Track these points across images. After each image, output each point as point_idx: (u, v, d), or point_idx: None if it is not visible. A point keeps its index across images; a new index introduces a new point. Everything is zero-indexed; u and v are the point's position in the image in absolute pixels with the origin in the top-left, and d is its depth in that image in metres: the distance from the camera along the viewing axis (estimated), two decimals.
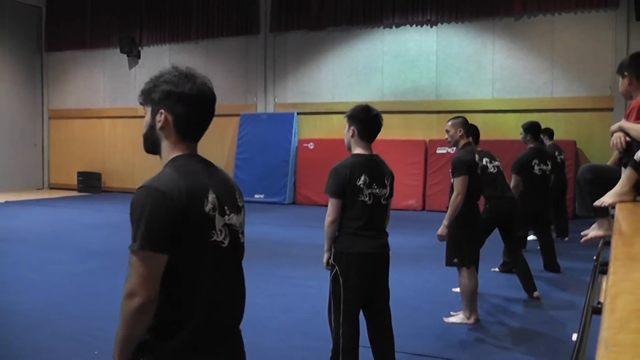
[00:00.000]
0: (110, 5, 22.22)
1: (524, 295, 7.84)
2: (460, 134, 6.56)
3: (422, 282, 8.61)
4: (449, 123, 6.66)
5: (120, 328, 2.45)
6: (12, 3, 22.70)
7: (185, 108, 2.55)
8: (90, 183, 22.31)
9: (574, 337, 5.80)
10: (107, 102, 22.73)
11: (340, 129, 17.55)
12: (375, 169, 4.78)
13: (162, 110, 2.58)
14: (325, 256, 4.83)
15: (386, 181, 4.81)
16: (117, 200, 19.61)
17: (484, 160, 7.94)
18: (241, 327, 2.64)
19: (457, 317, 6.66)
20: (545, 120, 15.51)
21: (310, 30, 18.90)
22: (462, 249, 6.43)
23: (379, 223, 4.80)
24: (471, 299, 6.55)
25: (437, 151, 16.30)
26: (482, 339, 6.20)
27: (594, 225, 3.96)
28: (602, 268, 3.19)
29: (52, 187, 23.94)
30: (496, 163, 8.15)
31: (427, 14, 17.28)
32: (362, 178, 4.68)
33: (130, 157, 21.95)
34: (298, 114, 19.02)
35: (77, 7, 22.90)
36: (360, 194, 4.67)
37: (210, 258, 2.44)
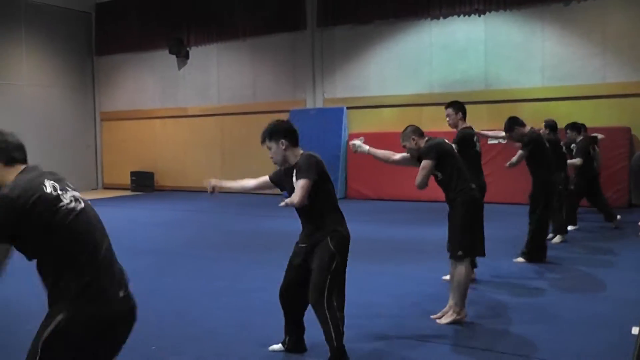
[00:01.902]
0: (157, 7, 22.47)
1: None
2: (415, 142, 6.51)
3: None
4: (401, 139, 6.64)
5: None
6: (63, 10, 23.11)
7: (6, 152, 3.14)
8: (143, 182, 22.60)
9: (635, 330, 5.72)
10: (157, 102, 23.00)
11: (390, 122, 17.62)
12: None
13: None
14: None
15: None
16: (170, 198, 19.85)
17: (475, 137, 8.27)
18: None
19: (448, 317, 6.32)
20: (597, 107, 15.28)
21: (357, 25, 18.86)
22: (467, 238, 6.32)
23: None
24: (465, 293, 6.33)
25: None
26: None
27: None
28: None
29: (106, 187, 24.34)
30: (479, 144, 8.35)
31: (474, 4, 17.11)
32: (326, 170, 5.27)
33: (181, 155, 22.20)
34: (347, 108, 18.99)
35: (125, 11, 23.23)
36: (330, 178, 5.29)
37: (67, 220, 3.00)
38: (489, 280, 8.13)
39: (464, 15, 17.37)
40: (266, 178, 5.63)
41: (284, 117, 19.33)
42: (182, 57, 22.01)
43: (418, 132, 6.52)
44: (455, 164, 6.37)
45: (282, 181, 5.42)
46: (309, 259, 5.17)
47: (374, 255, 10.05)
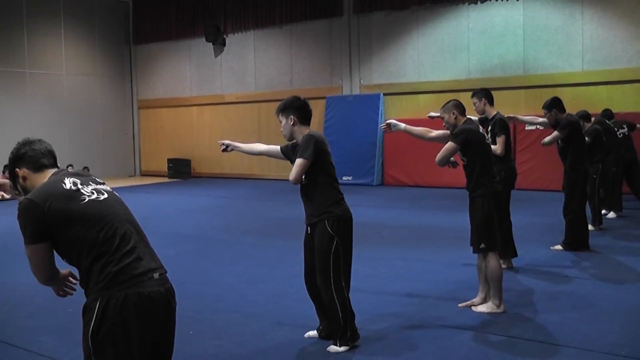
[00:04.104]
0: None
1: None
2: (454, 116, 6.36)
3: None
4: (441, 110, 6.48)
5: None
6: (101, 0, 23.34)
7: (25, 163, 3.31)
8: (180, 169, 22.78)
9: None
10: (195, 90, 23.13)
11: (427, 108, 17.45)
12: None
13: (16, 170, 3.33)
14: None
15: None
16: (207, 185, 19.97)
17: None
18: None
19: (486, 306, 6.27)
20: (639, 92, 14.99)
21: (394, 10, 18.75)
22: (489, 231, 6.18)
23: None
24: (500, 286, 6.22)
25: (526, 128, 15.93)
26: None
27: None
28: None
29: (144, 174, 24.61)
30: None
31: None
32: (328, 147, 5.31)
33: (218, 142, 22.26)
34: (384, 94, 18.92)
35: (162, 0, 23.38)
36: (331, 158, 5.31)
37: (92, 211, 3.10)
38: (524, 267, 8.04)
39: (502, 0, 17.17)
40: (277, 148, 5.75)
41: (320, 103, 19.37)
42: (219, 44, 22.08)
43: (460, 108, 6.40)
44: (480, 155, 6.22)
45: (289, 155, 5.52)
46: (314, 242, 5.27)
47: (410, 242, 10.03)
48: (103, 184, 3.33)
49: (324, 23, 20.08)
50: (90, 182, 3.24)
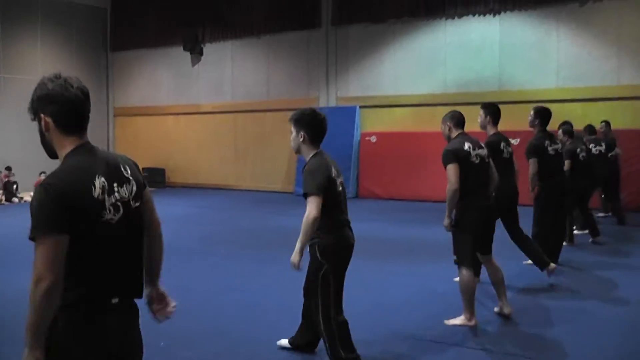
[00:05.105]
0: (172, 4, 22.52)
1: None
2: (448, 128, 6.40)
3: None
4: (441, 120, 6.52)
5: (31, 314, 2.57)
6: (78, 5, 23.25)
7: (57, 106, 2.74)
8: (155, 178, 22.62)
9: None
10: (171, 99, 23.05)
11: (403, 121, 17.53)
12: (333, 161, 5.04)
13: (41, 115, 2.76)
14: (298, 257, 4.78)
15: (339, 169, 5.10)
16: (181, 195, 19.88)
17: (502, 144, 7.84)
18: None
19: (458, 319, 6.32)
20: (611, 109, 15.19)
21: (371, 23, 18.83)
22: (460, 247, 6.21)
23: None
24: (470, 300, 6.24)
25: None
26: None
27: None
28: None
29: None
30: (510, 149, 7.96)
31: (489, 3, 17.05)
32: (333, 170, 4.93)
33: (193, 152, 22.24)
34: (360, 107, 18.97)
35: (140, 7, 23.33)
36: (336, 185, 4.92)
37: (100, 235, 2.67)
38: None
39: (479, 15, 17.32)
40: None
41: None
42: (197, 53, 22.04)
43: (455, 120, 6.42)
44: (463, 172, 6.19)
45: None
46: None
47: (384, 255, 10.05)
48: (131, 182, 2.90)
49: (301, 34, 20.11)
50: (116, 187, 2.78)
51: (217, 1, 21.46)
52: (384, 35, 18.73)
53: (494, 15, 17.11)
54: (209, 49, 22.02)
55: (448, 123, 6.41)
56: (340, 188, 4.99)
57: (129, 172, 2.94)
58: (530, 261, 8.79)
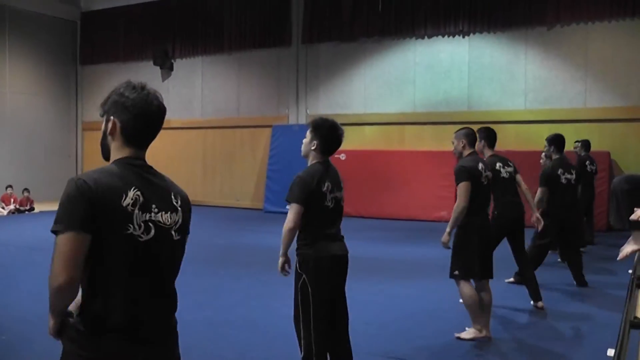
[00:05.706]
0: (143, 19, 22.47)
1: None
2: (462, 145, 6.53)
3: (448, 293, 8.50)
4: (454, 135, 6.66)
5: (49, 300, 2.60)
6: (48, 18, 23.10)
7: (130, 115, 2.70)
8: None
9: (610, 352, 5.74)
10: None
11: (372, 140, 17.54)
12: (334, 174, 5.00)
13: (111, 117, 2.72)
14: (281, 260, 4.88)
15: (341, 184, 5.04)
16: None
17: (497, 164, 7.96)
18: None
19: (468, 333, 6.41)
20: (578, 131, 15.35)
21: (342, 42, 18.94)
22: (462, 260, 6.31)
23: (339, 225, 5.03)
24: (476, 311, 6.33)
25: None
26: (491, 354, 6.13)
27: (629, 239, 3.84)
28: (639, 282, 3.14)
29: None
30: (509, 169, 8.08)
31: (459, 25, 17.23)
32: (326, 184, 4.86)
33: (162, 168, 21.38)
34: None
35: (111, 21, 23.23)
36: (325, 199, 4.83)
37: (125, 249, 2.58)
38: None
39: (449, 36, 17.49)
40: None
41: (266, 132, 19.40)
42: (167, 69, 21.98)
43: (470, 138, 6.58)
44: (475, 193, 6.32)
45: None
46: None
47: (353, 272, 10.02)
48: (175, 210, 2.81)
49: (272, 52, 20.16)
50: (154, 207, 2.70)
51: (188, 17, 21.46)
52: (354, 54, 18.83)
53: (463, 36, 17.30)
54: (179, 64, 21.97)
55: (463, 140, 6.54)
56: (331, 203, 4.89)
57: (179, 203, 2.89)
58: (512, 279, 8.91)
